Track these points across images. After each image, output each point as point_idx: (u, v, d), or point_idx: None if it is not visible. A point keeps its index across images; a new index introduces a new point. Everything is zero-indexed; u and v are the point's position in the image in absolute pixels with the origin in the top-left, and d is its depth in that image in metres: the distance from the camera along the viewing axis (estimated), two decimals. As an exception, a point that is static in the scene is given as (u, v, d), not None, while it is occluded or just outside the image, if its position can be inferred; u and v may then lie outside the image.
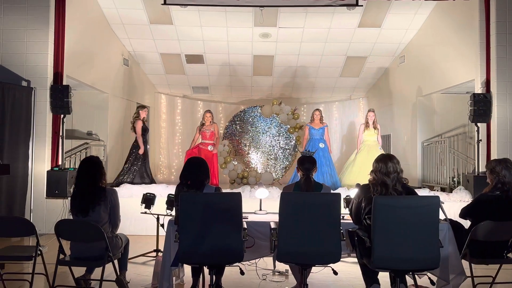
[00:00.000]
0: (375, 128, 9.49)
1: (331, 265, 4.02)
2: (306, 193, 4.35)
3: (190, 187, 4.20)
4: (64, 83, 8.12)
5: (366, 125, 9.53)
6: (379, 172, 3.94)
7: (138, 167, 9.08)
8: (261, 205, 5.13)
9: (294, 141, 11.85)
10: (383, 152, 8.79)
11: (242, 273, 4.23)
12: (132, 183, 8.75)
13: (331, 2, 8.94)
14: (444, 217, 4.15)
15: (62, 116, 8.03)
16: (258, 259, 4.90)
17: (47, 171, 7.79)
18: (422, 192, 7.83)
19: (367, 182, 4.09)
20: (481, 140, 8.13)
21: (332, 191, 4.54)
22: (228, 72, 12.37)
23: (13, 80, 7.79)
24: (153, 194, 5.93)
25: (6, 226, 4.38)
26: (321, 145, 9.55)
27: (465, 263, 4.25)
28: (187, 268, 4.65)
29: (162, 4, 9.07)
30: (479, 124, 8.14)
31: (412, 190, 4.02)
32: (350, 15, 9.92)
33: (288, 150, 11.91)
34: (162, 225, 5.52)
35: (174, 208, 4.47)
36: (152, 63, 12.02)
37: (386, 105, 12.20)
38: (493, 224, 4.18)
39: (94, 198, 4.22)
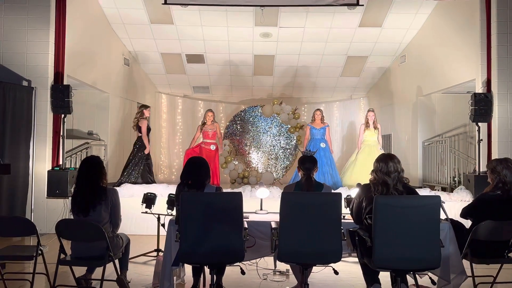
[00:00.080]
0: (375, 128, 9.49)
1: (331, 264, 4.02)
2: (307, 193, 4.36)
3: (191, 187, 4.20)
4: (65, 82, 8.11)
5: (367, 125, 9.53)
6: (380, 171, 3.93)
7: (143, 167, 9.07)
8: (262, 205, 5.13)
9: (295, 141, 11.85)
10: (383, 152, 8.79)
11: (243, 272, 4.23)
12: (135, 183, 8.73)
13: (332, 2, 8.94)
14: (445, 217, 4.15)
15: (62, 115, 8.02)
16: (259, 259, 4.90)
17: (48, 171, 7.79)
18: (423, 192, 7.82)
19: (368, 182, 4.09)
20: (482, 139, 8.12)
21: (333, 191, 4.54)
22: (229, 72, 12.37)
23: (13, 79, 7.79)
24: (154, 193, 5.93)
25: (7, 225, 4.38)
26: (322, 145, 9.54)
27: (466, 263, 4.25)
28: (188, 268, 4.65)
29: (162, 4, 9.07)
30: (480, 124, 8.14)
31: (413, 190, 4.02)
32: (351, 14, 9.92)
33: (288, 150, 11.91)
34: (163, 225, 5.52)
35: (174, 207, 4.47)
36: (153, 63, 12.03)
37: (387, 105, 12.20)
38: (494, 223, 4.18)
39: (94, 197, 4.22)
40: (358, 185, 4.35)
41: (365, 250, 3.79)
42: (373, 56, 11.65)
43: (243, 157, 11.94)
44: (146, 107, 9.34)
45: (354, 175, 9.05)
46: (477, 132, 8.18)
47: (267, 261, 5.26)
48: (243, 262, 4.12)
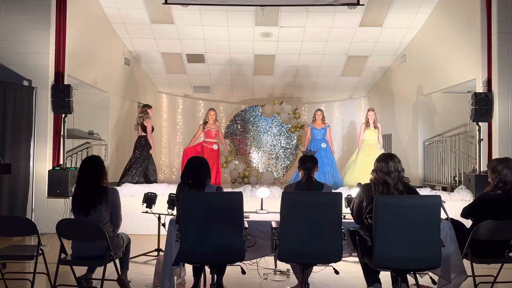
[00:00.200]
0: (375, 127, 9.48)
1: (332, 264, 4.03)
2: (307, 192, 4.36)
3: (191, 187, 4.20)
4: (65, 82, 8.12)
5: (367, 124, 9.52)
6: (380, 171, 3.93)
7: (147, 167, 9.07)
8: (262, 205, 5.13)
9: (295, 141, 11.85)
10: (383, 152, 8.79)
11: (243, 272, 4.23)
12: (138, 182, 8.73)
13: (332, 2, 8.94)
14: (446, 217, 4.15)
15: (63, 115, 8.03)
16: (259, 259, 4.90)
17: (49, 171, 7.80)
18: (424, 192, 7.82)
19: (368, 181, 4.09)
20: (482, 139, 8.12)
21: (333, 191, 4.54)
22: (229, 72, 12.38)
23: (14, 79, 7.80)
24: (154, 193, 5.93)
25: (8, 225, 4.38)
26: (323, 145, 9.53)
27: (466, 263, 4.25)
28: (189, 268, 4.65)
29: (163, 3, 9.08)
30: (480, 124, 8.13)
31: (413, 190, 4.02)
32: (351, 14, 9.91)
33: (289, 150, 11.91)
34: (164, 225, 5.52)
35: (175, 207, 4.47)
36: (153, 63, 12.03)
37: (387, 105, 12.20)
38: (494, 223, 4.18)
39: (95, 197, 4.22)
40: (359, 184, 4.35)
41: (365, 249, 3.79)
42: (373, 55, 11.65)
43: (244, 157, 11.94)
44: (149, 107, 9.32)
45: (355, 175, 9.05)
46: (477, 131, 8.18)
47: (268, 261, 5.25)
48: (243, 262, 4.11)
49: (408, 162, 10.53)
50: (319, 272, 5.00)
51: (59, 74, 8.08)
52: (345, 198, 4.46)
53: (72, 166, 8.63)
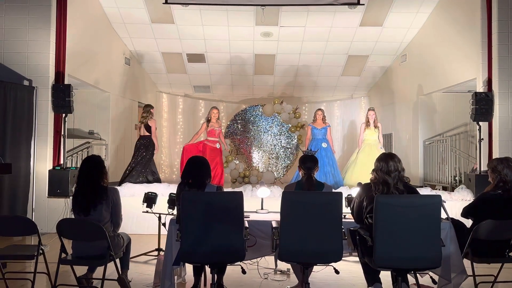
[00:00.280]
0: (375, 127, 9.47)
1: (332, 264, 4.03)
2: (308, 192, 4.35)
3: (192, 186, 4.20)
4: (66, 82, 8.12)
5: (367, 124, 9.51)
6: (380, 171, 3.93)
7: (150, 167, 9.08)
8: (263, 204, 5.13)
9: (295, 140, 11.84)
10: (384, 151, 8.78)
11: (243, 272, 4.23)
12: (143, 182, 8.75)
13: (332, 1, 8.95)
14: (446, 216, 4.15)
15: (63, 115, 8.03)
16: (259, 258, 4.90)
17: (49, 170, 7.80)
18: (424, 191, 7.82)
19: (368, 181, 4.09)
20: (482, 139, 8.11)
21: (333, 190, 4.54)
22: (230, 71, 12.38)
23: (15, 79, 7.80)
24: (155, 193, 5.93)
25: (8, 225, 4.38)
26: (324, 144, 9.52)
27: (466, 262, 4.24)
28: (189, 267, 4.65)
29: (163, 3, 9.08)
30: (480, 123, 8.12)
31: (413, 189, 4.02)
32: (352, 14, 9.91)
33: (289, 149, 11.91)
34: (164, 224, 5.52)
35: (175, 207, 4.47)
36: (154, 62, 12.04)
37: (388, 104, 12.20)
38: (495, 223, 4.18)
39: (95, 197, 4.22)
40: (359, 184, 4.35)
41: (365, 249, 3.79)
42: (374, 55, 11.65)
43: (244, 157, 11.93)
44: (151, 107, 9.30)
45: (355, 175, 9.04)
46: (478, 131, 8.18)
47: (268, 261, 5.25)
48: (244, 262, 4.12)
49: (408, 161, 10.54)
50: (319, 272, 5.00)
51: (59, 73, 8.08)
52: (345, 197, 4.46)
53: (73, 166, 8.64)
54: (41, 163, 7.82)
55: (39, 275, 4.33)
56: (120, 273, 4.39)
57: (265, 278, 5.08)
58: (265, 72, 12.41)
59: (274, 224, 4.08)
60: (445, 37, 9.53)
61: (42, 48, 7.96)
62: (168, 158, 13.02)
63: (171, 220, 4.22)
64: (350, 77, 12.69)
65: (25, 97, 7.69)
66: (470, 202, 4.97)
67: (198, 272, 4.42)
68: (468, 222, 4.63)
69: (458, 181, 9.40)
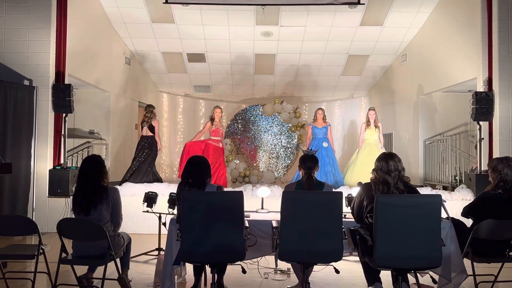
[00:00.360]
0: (376, 126, 9.46)
1: (333, 263, 4.03)
2: (308, 191, 4.35)
3: (192, 186, 4.20)
4: (66, 82, 8.13)
5: (367, 123, 9.50)
6: (380, 170, 3.93)
7: (153, 167, 9.10)
8: (263, 204, 5.14)
9: (296, 140, 11.84)
10: (384, 151, 8.78)
11: (244, 271, 4.24)
12: (148, 181, 8.77)
13: (332, 1, 8.95)
14: (446, 216, 4.15)
15: (64, 115, 8.04)
16: (260, 258, 4.90)
17: (49, 170, 7.80)
18: (424, 191, 7.82)
19: (368, 180, 4.09)
20: (483, 138, 8.11)
21: (334, 190, 4.54)
22: (230, 71, 12.38)
23: (15, 79, 7.81)
24: (155, 192, 5.93)
25: (8, 225, 4.39)
26: (325, 144, 9.51)
27: (467, 262, 4.24)
28: (189, 267, 4.65)
29: (163, 2, 9.08)
30: (481, 123, 8.12)
31: (413, 189, 4.02)
32: (352, 13, 9.91)
33: (290, 149, 11.90)
34: (164, 224, 5.52)
35: (176, 206, 4.47)
36: (154, 62, 12.04)
37: (388, 104, 12.19)
38: (495, 222, 4.18)
39: (95, 196, 4.22)
40: (359, 184, 4.35)
41: (366, 249, 3.79)
42: (374, 55, 11.65)
43: (244, 156, 11.93)
44: (154, 107, 9.31)
45: (355, 174, 9.04)
46: (478, 131, 8.18)
47: (268, 260, 5.25)
48: (244, 261, 4.12)
49: (409, 161, 10.54)
50: (319, 271, 5.01)
51: (59, 73, 8.08)
52: (345, 197, 4.46)
53: (73, 166, 8.64)
54: (42, 162, 7.82)
55: (39, 275, 4.33)
56: (121, 272, 4.39)
57: (266, 278, 5.08)
58: (265, 71, 12.41)
59: (274, 224, 4.08)
60: (446, 37, 9.53)
61: (42, 47, 7.96)
62: (169, 158, 13.03)
63: (172, 219, 4.22)
64: (350, 76, 12.69)
65: (25, 97, 7.69)
66: (471, 201, 4.96)
67: (198, 272, 4.42)
68: (468, 222, 4.62)
69: (458, 180, 9.40)
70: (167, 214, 5.44)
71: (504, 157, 4.63)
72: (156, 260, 5.30)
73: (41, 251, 4.22)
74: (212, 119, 9.48)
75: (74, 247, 4.28)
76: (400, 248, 3.58)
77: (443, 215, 3.84)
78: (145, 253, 6.05)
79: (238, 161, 11.44)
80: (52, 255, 4.90)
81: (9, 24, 7.98)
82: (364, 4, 9.44)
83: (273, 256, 4.60)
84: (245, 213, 4.05)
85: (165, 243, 4.19)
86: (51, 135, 7.97)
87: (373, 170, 4.04)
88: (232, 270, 4.83)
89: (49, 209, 7.72)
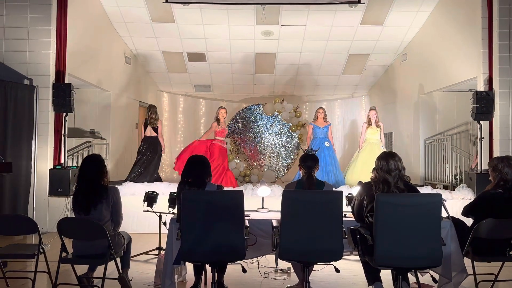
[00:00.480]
0: (377, 126, 9.46)
1: (333, 263, 4.02)
2: (308, 191, 4.35)
3: (192, 185, 4.19)
4: (66, 81, 8.13)
5: (369, 123, 9.50)
6: (380, 169, 3.93)
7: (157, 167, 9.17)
8: (263, 203, 5.14)
9: (296, 139, 11.84)
10: (385, 150, 8.77)
11: (244, 271, 4.24)
12: (154, 181, 8.81)
13: (333, 0, 8.93)
14: (447, 215, 4.14)
15: (64, 114, 8.04)
16: (260, 257, 4.90)
17: (50, 169, 7.81)
18: (425, 190, 7.81)
19: (369, 180, 4.09)
20: (483, 137, 8.11)
21: (334, 189, 4.54)
22: (230, 70, 12.38)
23: (15, 78, 7.81)
24: (155, 192, 5.93)
25: (9, 224, 4.39)
26: (327, 144, 9.51)
27: (467, 261, 4.24)
28: (190, 266, 4.64)
29: (164, 2, 9.07)
30: (481, 122, 8.12)
31: (414, 188, 4.01)
32: (352, 12, 9.91)
33: (290, 148, 11.91)
34: (164, 223, 5.52)
35: (176, 206, 4.48)
36: (154, 61, 12.03)
37: (389, 103, 12.19)
38: (495, 222, 4.18)
39: (95, 196, 4.22)
40: (360, 183, 4.34)
41: (366, 248, 3.79)
42: (374, 54, 11.64)
43: (245, 156, 11.94)
44: (156, 107, 9.36)
45: (356, 174, 9.03)
46: (478, 130, 8.17)
47: (269, 259, 5.25)
48: (244, 260, 4.12)
49: (409, 160, 10.53)
50: (320, 271, 5.01)
51: (60, 73, 8.08)
52: (346, 196, 4.46)
53: (73, 165, 8.64)
54: (42, 162, 7.82)
55: (39, 274, 4.34)
56: (121, 272, 4.39)
57: (266, 277, 5.08)
58: (265, 71, 12.40)
59: (274, 223, 4.08)
60: (446, 36, 9.52)
61: (42, 47, 7.96)
62: (169, 157, 13.01)
63: (172, 219, 4.22)
64: (350, 76, 12.69)
65: (25, 96, 7.69)
66: (471, 201, 4.96)
67: (198, 271, 4.41)
68: (468, 221, 4.62)
69: (458, 180, 9.40)
70: (167, 213, 5.44)
71: (505, 156, 4.62)
72: (156, 260, 5.31)
73: (41, 250, 4.23)
74: (217, 120, 9.49)
75: (74, 246, 4.28)
76: (401, 247, 3.58)
77: (444, 214, 3.84)
78: (146, 253, 6.05)
79: (238, 161, 11.45)
80: (52, 254, 4.91)
81: (9, 24, 7.98)
82: (364, 3, 9.44)
83: (273, 256, 4.59)
84: (246, 213, 4.05)
85: (166, 243, 4.19)
86: (52, 135, 7.97)
87: (374, 169, 4.04)
88: (232, 270, 4.83)
89: (49, 209, 7.72)
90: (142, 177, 8.84)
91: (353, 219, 4.20)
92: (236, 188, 8.37)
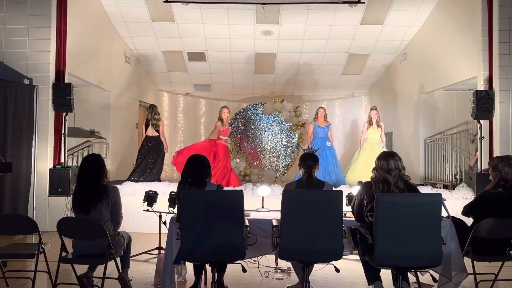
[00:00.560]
0: (378, 126, 9.46)
1: (333, 262, 4.02)
2: (308, 190, 4.35)
3: (191, 185, 4.19)
4: (66, 81, 8.13)
5: (370, 123, 9.49)
6: (380, 169, 3.93)
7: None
8: (263, 203, 5.14)
9: (296, 139, 11.84)
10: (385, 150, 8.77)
11: (244, 270, 4.23)
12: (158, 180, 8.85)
13: (333, -1, 8.94)
14: (447, 214, 4.14)
15: (64, 114, 8.04)
16: (260, 257, 4.91)
17: (50, 169, 7.80)
18: (425, 190, 7.81)
19: (369, 179, 4.09)
20: (483, 137, 8.11)
21: (334, 189, 4.54)
22: (230, 70, 12.37)
23: (15, 78, 7.81)
24: (155, 191, 5.93)
25: (9, 224, 4.40)
26: (328, 143, 9.52)
27: (467, 260, 4.24)
28: (190, 266, 4.64)
29: (163, 1, 9.07)
30: (481, 121, 8.12)
31: (414, 188, 4.01)
32: (352, 12, 9.91)
33: (290, 148, 11.91)
34: (164, 223, 5.52)
35: (176, 205, 4.48)
36: (154, 61, 12.03)
37: (389, 103, 12.18)
38: (495, 221, 4.18)
39: (95, 195, 4.22)
40: (360, 182, 4.35)
41: (366, 247, 3.78)
42: (374, 53, 11.63)
43: (245, 155, 11.94)
44: (157, 107, 9.38)
45: (356, 173, 9.03)
46: (478, 129, 8.17)
47: (269, 259, 5.26)
48: (244, 260, 4.12)
49: (409, 160, 10.53)
50: (320, 270, 5.00)
51: (60, 72, 8.08)
52: (346, 196, 4.46)
53: (73, 165, 8.64)
54: (42, 161, 7.82)
55: (39, 274, 4.34)
56: (121, 271, 4.39)
57: (266, 277, 5.08)
58: (265, 70, 12.40)
59: (274, 223, 4.08)
60: (446, 36, 9.52)
61: (42, 46, 7.96)
62: (169, 157, 13.00)
63: (172, 218, 4.22)
64: (350, 75, 12.68)
65: (25, 96, 7.69)
66: (471, 200, 4.96)
67: (198, 271, 4.42)
68: (468, 221, 4.62)
69: (459, 179, 9.40)
70: (167, 213, 5.44)
71: (505, 156, 4.62)
72: (156, 259, 5.30)
73: (41, 250, 4.23)
74: (221, 119, 9.49)
75: (74, 246, 4.28)
76: (400, 247, 3.58)
77: (444, 213, 3.84)
78: (146, 252, 6.05)
79: (238, 160, 11.45)
80: (52, 254, 4.91)
81: (9, 23, 7.98)
82: (364, 2, 9.44)
83: (273, 255, 4.60)
84: (245, 212, 4.05)
85: (166, 242, 4.20)
86: (52, 134, 7.97)
87: (374, 168, 4.04)
88: (232, 269, 4.83)
89: (49, 208, 7.72)
90: (148, 178, 8.84)
91: (353, 218, 4.20)
92: (236, 188, 8.37)
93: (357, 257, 4.16)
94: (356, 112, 13.41)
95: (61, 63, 8.10)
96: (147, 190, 5.98)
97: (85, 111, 9.98)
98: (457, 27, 9.11)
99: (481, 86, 8.28)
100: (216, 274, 3.90)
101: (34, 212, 7.56)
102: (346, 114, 13.46)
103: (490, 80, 8.17)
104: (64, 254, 4.18)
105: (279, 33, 10.79)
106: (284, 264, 4.99)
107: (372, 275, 4.03)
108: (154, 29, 10.63)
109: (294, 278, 4.90)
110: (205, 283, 4.72)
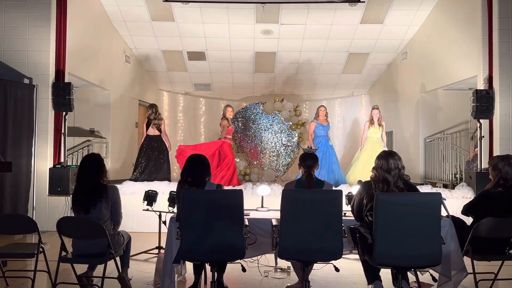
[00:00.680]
0: (380, 125, 9.46)
1: (333, 262, 4.02)
2: (308, 190, 4.35)
3: (191, 184, 4.19)
4: (66, 80, 8.13)
5: (371, 122, 9.50)
6: (380, 169, 3.93)
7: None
8: (263, 202, 5.13)
9: (296, 138, 11.84)
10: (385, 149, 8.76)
11: (244, 270, 4.23)
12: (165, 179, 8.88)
13: (333, -2, 8.93)
14: (446, 214, 4.14)
15: (64, 113, 8.04)
16: (259, 256, 4.90)
17: (49, 169, 7.80)
18: (424, 189, 7.81)
19: (369, 179, 4.09)
20: (483, 136, 8.11)
21: (334, 188, 4.53)
22: (230, 69, 12.37)
23: (15, 77, 7.80)
24: (155, 191, 5.93)
25: (9, 223, 4.40)
26: (330, 143, 9.53)
27: (467, 260, 4.24)
28: (189, 265, 4.64)
29: (163, 1, 9.06)
30: (481, 121, 8.12)
31: (413, 187, 4.01)
32: (352, 11, 9.90)
33: (290, 147, 11.91)
34: (164, 222, 5.52)
35: (176, 205, 4.48)
36: (154, 60, 12.02)
37: (389, 102, 12.18)
38: (495, 220, 4.18)
39: (95, 195, 4.23)
40: (359, 182, 4.34)
41: (366, 247, 3.79)
42: (374, 52, 11.63)
43: (245, 155, 11.94)
44: (157, 106, 9.40)
45: (357, 172, 9.04)
46: (478, 129, 8.17)
47: (268, 258, 5.26)
48: (244, 260, 4.11)
49: (409, 159, 10.53)
50: (319, 270, 5.01)
51: (59, 72, 8.08)
52: (345, 195, 4.46)
53: (73, 164, 8.64)
54: (42, 161, 7.82)
55: (39, 273, 4.34)
56: (121, 271, 4.39)
57: (265, 276, 5.09)
58: (265, 69, 12.40)
59: (274, 222, 4.08)
60: (446, 35, 9.52)
61: (42, 46, 7.96)
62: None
63: (172, 218, 4.22)
64: (350, 74, 12.68)
65: (25, 95, 7.69)
66: (471, 199, 4.96)
67: (198, 270, 4.42)
68: (468, 220, 4.62)
69: (458, 178, 9.40)
70: (167, 212, 5.45)
71: (505, 155, 4.62)
72: (156, 259, 5.30)
73: (41, 249, 4.23)
74: (226, 118, 9.50)
75: (74, 245, 4.29)
76: (400, 246, 3.58)
77: (443, 213, 3.84)
78: (145, 252, 6.06)
79: (238, 159, 11.45)
80: (52, 253, 4.91)
81: (9, 23, 7.97)
82: (364, 2, 9.44)
83: (273, 255, 4.59)
84: (245, 212, 4.05)
85: (165, 242, 4.19)
86: (51, 134, 7.97)
87: (373, 168, 4.04)
88: (232, 269, 4.83)
89: (49, 208, 7.72)
90: (157, 177, 8.87)
91: (353, 218, 4.20)
92: (236, 187, 8.38)
93: (357, 256, 4.16)
94: (356, 112, 13.40)
95: (61, 62, 8.09)
96: (146, 190, 5.98)
97: (85, 110, 9.98)
98: (457, 26, 9.10)
99: (481, 85, 8.28)
100: (215, 273, 3.90)
101: (34, 211, 7.57)
102: (346, 113, 13.46)
103: (490, 79, 8.17)
104: (64, 253, 4.18)
105: (279, 32, 10.79)
106: (283, 263, 4.99)
107: (372, 275, 4.03)
108: (154, 28, 10.63)
109: (293, 278, 4.90)
110: (205, 283, 4.72)
